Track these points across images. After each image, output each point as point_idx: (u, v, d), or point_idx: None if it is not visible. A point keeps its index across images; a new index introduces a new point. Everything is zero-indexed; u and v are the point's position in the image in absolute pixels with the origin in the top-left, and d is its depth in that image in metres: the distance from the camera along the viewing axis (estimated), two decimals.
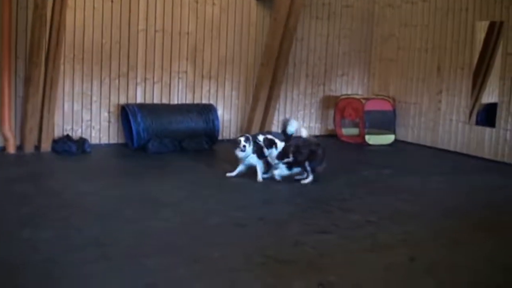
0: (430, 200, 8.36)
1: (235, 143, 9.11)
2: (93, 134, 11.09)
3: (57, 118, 10.69)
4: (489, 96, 11.81)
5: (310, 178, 8.86)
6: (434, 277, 5.39)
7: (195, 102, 11.94)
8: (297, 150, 8.82)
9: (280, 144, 8.87)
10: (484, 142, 11.33)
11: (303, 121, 13.32)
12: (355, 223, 6.99)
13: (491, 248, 6.33)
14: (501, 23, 11.07)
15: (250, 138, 9.08)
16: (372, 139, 12.60)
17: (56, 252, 5.60)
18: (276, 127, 12.32)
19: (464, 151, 11.71)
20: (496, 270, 5.75)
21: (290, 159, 8.77)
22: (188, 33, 11.75)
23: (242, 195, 8.18)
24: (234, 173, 9.08)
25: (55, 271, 5.16)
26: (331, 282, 5.14)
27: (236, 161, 9.13)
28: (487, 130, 11.29)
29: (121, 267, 5.30)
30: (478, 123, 11.63)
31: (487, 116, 11.55)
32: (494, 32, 11.39)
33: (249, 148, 8.92)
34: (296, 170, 8.94)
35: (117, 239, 6.06)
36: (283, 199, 8.06)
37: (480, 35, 11.62)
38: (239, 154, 9.00)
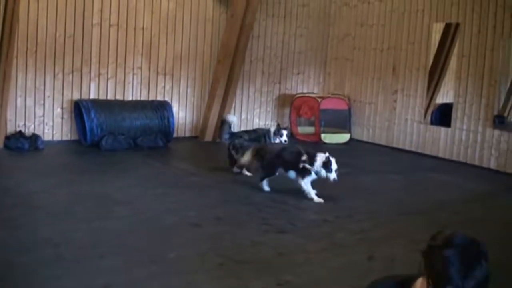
0: (386, 198, 8.40)
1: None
2: (46, 131, 10.88)
3: (10, 114, 10.45)
4: (443, 97, 11.93)
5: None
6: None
7: (150, 98, 11.80)
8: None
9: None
10: (440, 142, 11.45)
11: (259, 119, 13.28)
12: (312, 222, 6.98)
13: None
14: (457, 25, 11.17)
15: None
16: (328, 138, 12.63)
17: (8, 253, 5.44)
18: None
19: (420, 150, 11.82)
20: None
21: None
22: (143, 28, 11.61)
23: (198, 194, 8.10)
24: None
25: (7, 273, 5.01)
26: (289, 281, 5.10)
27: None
28: (443, 129, 11.42)
29: (76, 268, 5.18)
30: (432, 122, 11.73)
31: (441, 116, 11.68)
32: (449, 33, 11.50)
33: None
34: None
35: (71, 239, 5.92)
36: (239, 198, 7.98)
37: (436, 37, 11.71)
38: None
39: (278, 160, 8.21)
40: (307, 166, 7.90)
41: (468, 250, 2.42)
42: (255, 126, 13.09)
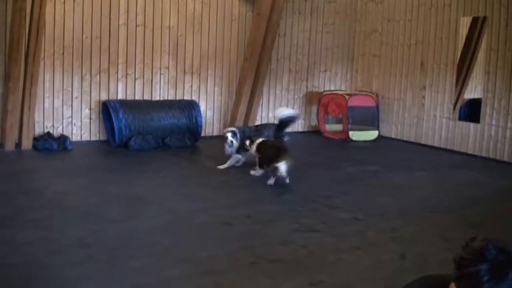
0: (416, 196, 8.30)
1: None
2: (74, 131, 10.93)
3: (38, 115, 10.52)
4: (471, 92, 11.80)
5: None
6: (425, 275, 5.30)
7: (177, 98, 11.81)
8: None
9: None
10: (469, 138, 11.32)
11: None
12: (343, 221, 6.91)
13: None
14: (484, 18, 11.03)
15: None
16: (356, 135, 12.55)
17: (39, 254, 5.45)
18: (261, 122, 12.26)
19: (449, 147, 11.69)
20: None
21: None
22: (169, 28, 11.61)
23: (227, 193, 8.08)
24: None
25: (38, 274, 5.01)
26: (322, 281, 5.05)
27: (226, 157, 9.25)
28: (472, 125, 11.28)
29: (106, 268, 5.17)
30: (460, 118, 11.61)
31: (469, 111, 11.55)
32: (477, 27, 11.36)
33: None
34: None
35: (102, 240, 5.92)
36: (268, 197, 7.94)
37: (463, 31, 11.58)
38: None
39: None
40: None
41: (499, 263, 2.42)
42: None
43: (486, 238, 2.50)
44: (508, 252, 2.43)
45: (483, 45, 11.21)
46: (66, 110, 10.85)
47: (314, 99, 13.50)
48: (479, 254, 2.43)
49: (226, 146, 9.50)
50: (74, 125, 10.94)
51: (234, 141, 9.42)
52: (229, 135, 9.47)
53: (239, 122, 11.95)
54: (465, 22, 11.50)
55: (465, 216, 7.35)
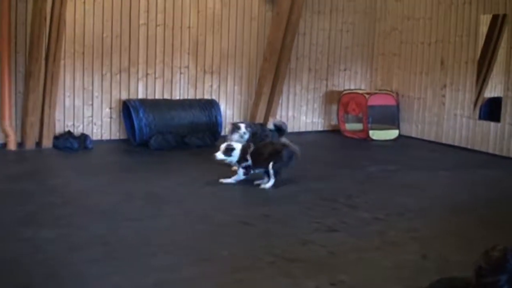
0: (436, 195, 8.25)
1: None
2: (94, 130, 10.99)
3: (58, 114, 10.58)
4: (491, 91, 11.71)
5: (271, 182, 8.22)
6: (447, 275, 5.27)
7: (197, 97, 11.83)
8: (256, 152, 8.37)
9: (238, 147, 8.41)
10: (489, 137, 11.23)
11: (306, 116, 13.22)
12: (363, 220, 6.88)
13: (502, 244, 6.19)
14: (504, 16, 10.95)
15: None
16: (376, 134, 12.51)
17: (60, 251, 5.48)
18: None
19: (469, 146, 11.60)
20: None
21: (249, 162, 8.34)
22: (189, 28, 11.63)
23: (246, 192, 8.06)
24: None
25: (59, 270, 5.04)
26: (342, 281, 5.03)
27: None
28: (492, 124, 11.19)
29: (127, 266, 5.18)
30: (480, 117, 11.53)
31: (489, 110, 11.46)
32: (497, 25, 11.27)
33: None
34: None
35: (122, 238, 5.94)
36: (288, 196, 7.92)
37: (483, 29, 11.50)
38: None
39: None
40: None
41: None
42: (302, 124, 13.09)
43: (505, 248, 2.49)
44: None
45: (503, 43, 11.13)
46: (86, 109, 10.91)
47: (334, 98, 13.46)
48: (499, 264, 2.42)
49: (236, 136, 9.21)
50: (95, 124, 11.00)
51: (247, 135, 9.25)
52: (243, 125, 9.39)
53: (259, 121, 11.94)
54: (485, 20, 11.42)
55: (486, 216, 7.30)
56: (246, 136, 9.23)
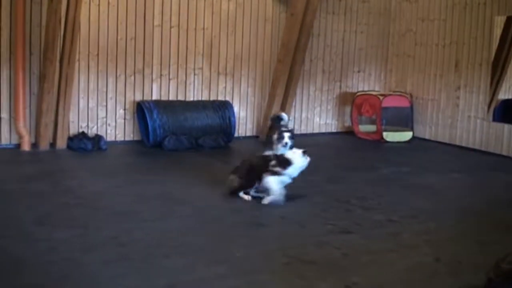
0: (450, 198, 8.22)
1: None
2: (108, 131, 11.02)
3: (72, 115, 10.64)
4: (505, 92, 11.67)
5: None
6: (460, 279, 5.25)
7: (211, 99, 11.84)
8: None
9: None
10: (503, 139, 11.18)
11: (320, 118, 13.21)
12: (377, 223, 6.86)
13: None
14: None
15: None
16: (390, 136, 12.48)
17: (74, 252, 5.50)
18: (292, 124, 12.32)
19: (483, 148, 11.56)
20: None
21: None
22: (203, 29, 11.65)
23: None
24: None
25: (74, 271, 5.06)
26: (356, 283, 5.02)
27: None
28: (506, 126, 11.15)
29: (141, 267, 5.19)
30: (494, 119, 11.48)
31: (504, 112, 11.42)
32: (511, 26, 11.23)
33: None
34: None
35: (136, 239, 5.95)
36: (302, 197, 7.90)
37: (497, 30, 11.46)
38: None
39: None
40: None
41: None
42: (316, 125, 13.08)
43: None
44: None
45: None
46: (100, 111, 10.95)
47: (347, 100, 13.44)
48: (508, 277, 2.43)
49: (279, 146, 8.59)
50: (109, 125, 11.03)
51: (289, 143, 8.61)
52: (287, 135, 8.67)
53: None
54: (499, 21, 11.37)
55: (500, 219, 7.26)
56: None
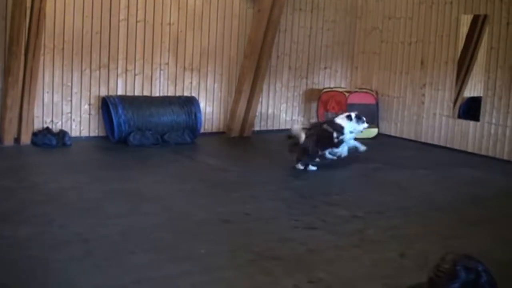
0: (416, 194, 8.30)
1: None
2: (73, 127, 10.89)
3: (37, 110, 10.49)
4: (471, 90, 11.79)
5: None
6: (426, 274, 5.29)
7: (177, 94, 11.77)
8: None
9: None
10: (468, 136, 11.30)
11: (286, 114, 13.22)
12: (342, 219, 6.90)
13: (482, 242, 6.24)
14: (485, 16, 11.02)
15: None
16: None
17: (39, 249, 5.45)
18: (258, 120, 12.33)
19: (448, 145, 11.67)
20: (489, 265, 5.66)
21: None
22: (170, 24, 11.58)
23: (226, 190, 8.04)
24: None
25: (38, 269, 5.02)
26: (321, 279, 5.05)
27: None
28: (471, 123, 11.26)
29: (106, 264, 5.17)
30: (459, 116, 11.60)
31: (468, 109, 11.55)
32: (477, 25, 11.35)
33: None
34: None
35: (101, 235, 5.91)
36: (267, 194, 7.92)
37: (464, 29, 11.57)
38: None
39: None
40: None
41: (470, 284, 2.58)
42: (282, 122, 13.09)
43: (454, 259, 2.62)
44: (476, 271, 2.55)
45: (483, 44, 11.21)
46: (65, 106, 10.82)
47: (314, 96, 13.46)
48: (450, 275, 2.55)
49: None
50: (74, 120, 10.91)
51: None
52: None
53: (238, 119, 11.96)
54: (466, 20, 11.48)
55: (466, 214, 7.37)
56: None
